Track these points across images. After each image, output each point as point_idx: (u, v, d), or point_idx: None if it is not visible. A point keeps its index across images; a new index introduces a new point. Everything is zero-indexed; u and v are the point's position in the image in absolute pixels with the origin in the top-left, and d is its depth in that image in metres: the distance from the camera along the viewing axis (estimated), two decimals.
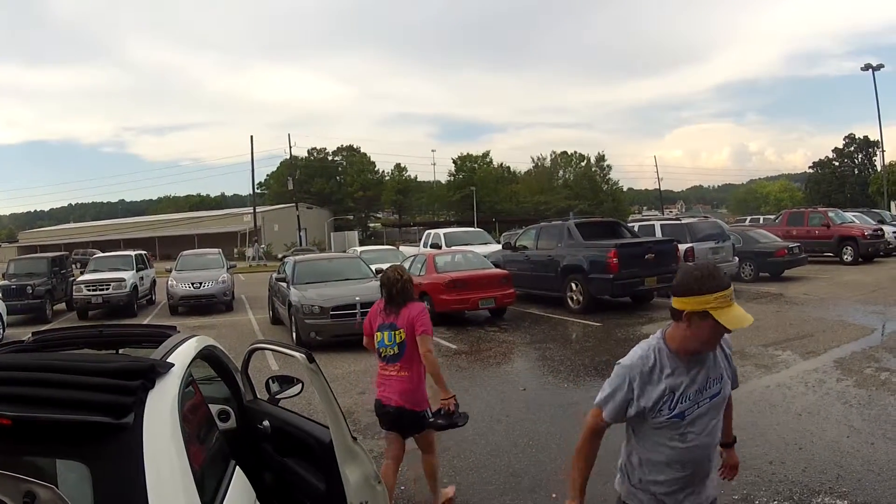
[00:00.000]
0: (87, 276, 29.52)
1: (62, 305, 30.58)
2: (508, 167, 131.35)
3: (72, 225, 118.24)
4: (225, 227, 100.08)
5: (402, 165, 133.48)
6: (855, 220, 38.99)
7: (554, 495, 7.74)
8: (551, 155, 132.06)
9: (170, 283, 28.65)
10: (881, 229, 37.24)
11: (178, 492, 3.23)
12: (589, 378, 13.80)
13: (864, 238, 35.57)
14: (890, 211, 58.35)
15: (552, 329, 19.78)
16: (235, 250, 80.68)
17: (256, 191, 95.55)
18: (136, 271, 30.67)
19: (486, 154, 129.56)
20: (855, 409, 10.82)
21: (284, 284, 20.59)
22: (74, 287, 28.74)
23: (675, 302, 4.10)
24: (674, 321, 4.16)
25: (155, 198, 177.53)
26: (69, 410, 3.21)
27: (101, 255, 35.38)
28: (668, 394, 4.15)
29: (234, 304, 29.23)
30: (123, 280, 28.62)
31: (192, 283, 28.20)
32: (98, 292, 27.83)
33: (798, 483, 8.06)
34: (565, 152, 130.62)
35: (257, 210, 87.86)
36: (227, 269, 30.88)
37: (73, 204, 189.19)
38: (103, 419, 3.20)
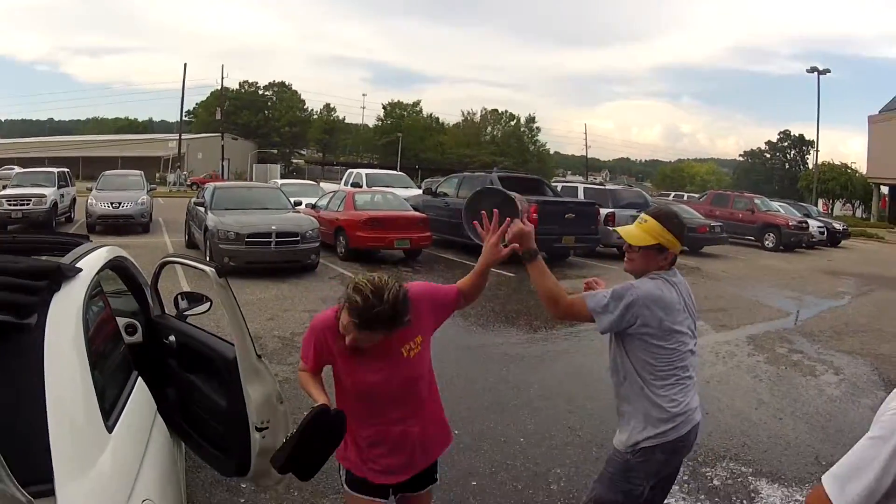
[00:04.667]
0: (7, 191, 28.92)
1: None
2: (437, 118, 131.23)
3: None
4: (150, 152, 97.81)
5: (332, 106, 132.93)
6: (781, 209, 39.52)
7: (455, 432, 7.75)
8: (482, 111, 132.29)
9: (89, 201, 28.22)
10: (806, 222, 37.76)
11: (77, 396, 3.20)
12: (498, 324, 14.03)
13: (787, 227, 36.04)
14: (817, 207, 59.30)
15: (463, 273, 19.50)
16: (158, 175, 79.82)
17: (184, 118, 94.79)
18: (58, 188, 30.12)
19: (416, 103, 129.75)
20: (765, 384, 11.06)
21: (202, 209, 20.39)
22: None
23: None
24: None
25: (84, 118, 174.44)
26: None
27: (23, 170, 34.68)
28: None
29: (151, 227, 28.94)
30: (44, 196, 28.15)
31: (112, 203, 27.81)
32: (18, 207, 27.28)
33: (703, 446, 8.12)
34: (496, 110, 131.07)
35: (183, 137, 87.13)
36: (147, 191, 30.43)
37: (2, 120, 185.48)
38: (5, 318, 3.16)
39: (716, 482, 7.33)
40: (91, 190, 30.16)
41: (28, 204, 27.55)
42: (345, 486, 4.42)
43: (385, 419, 4.13)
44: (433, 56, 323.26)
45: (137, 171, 34.14)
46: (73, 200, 33.66)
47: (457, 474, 6.96)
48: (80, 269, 3.92)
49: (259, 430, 4.65)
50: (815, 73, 68.76)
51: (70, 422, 3.09)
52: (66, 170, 34.09)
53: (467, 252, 23.49)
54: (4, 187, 31.07)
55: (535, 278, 4.57)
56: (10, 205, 27.38)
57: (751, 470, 7.65)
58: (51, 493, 2.75)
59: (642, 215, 4.62)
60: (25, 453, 2.75)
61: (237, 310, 4.50)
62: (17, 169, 43.00)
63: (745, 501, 6.93)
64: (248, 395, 4.57)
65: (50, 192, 28.83)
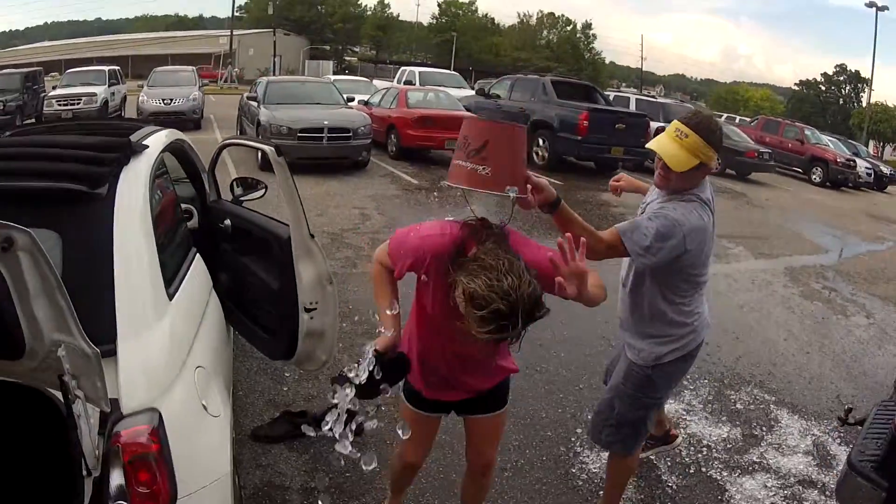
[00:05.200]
0: (58, 91, 29.04)
1: (33, 121, 29.34)
2: (493, 19, 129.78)
3: (46, 43, 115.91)
4: (200, 49, 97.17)
5: (386, 2, 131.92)
6: (830, 144, 38.38)
7: None
8: (538, 14, 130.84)
9: (141, 98, 28.12)
10: (854, 161, 36.62)
11: (142, 263, 3.43)
12: (542, 233, 13.70)
13: (835, 164, 34.96)
14: (867, 148, 58.33)
15: None
16: (214, 70, 79.61)
17: (236, 14, 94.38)
18: (108, 87, 30.11)
19: (472, 2, 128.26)
20: (796, 317, 11.08)
21: (255, 104, 20.43)
22: (45, 102, 28.23)
23: None
24: None
25: (132, 17, 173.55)
26: (47, 180, 3.40)
27: (73, 70, 34.23)
28: (648, 195, 4.72)
29: (202, 123, 28.90)
30: (95, 95, 28.19)
31: (163, 100, 27.68)
32: (68, 107, 27.34)
33: (730, 370, 8.34)
34: (552, 13, 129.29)
35: (234, 33, 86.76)
36: (199, 87, 30.39)
37: (49, 23, 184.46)
38: (79, 187, 3.38)
39: (738, 406, 7.48)
40: (142, 87, 29.96)
41: (78, 103, 27.58)
42: (402, 394, 4.26)
43: (444, 341, 3.84)
44: None
45: (189, 67, 34.01)
46: (124, 99, 33.51)
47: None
48: (147, 146, 4.10)
49: (308, 310, 4.79)
50: (874, 9, 66.69)
51: (135, 286, 3.31)
52: (116, 68, 34.02)
53: None
54: (55, 87, 31.13)
55: (564, 228, 3.85)
56: (60, 105, 27.47)
57: (773, 399, 7.78)
58: (113, 353, 2.97)
59: (679, 126, 4.16)
60: (92, 313, 2.88)
61: (294, 189, 4.58)
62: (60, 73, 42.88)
63: (764, 428, 7.07)
64: (300, 274, 4.69)
65: (101, 91, 28.85)
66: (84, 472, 2.72)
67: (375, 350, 3.46)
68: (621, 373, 4.75)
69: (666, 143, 4.15)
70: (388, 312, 3.67)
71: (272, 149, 4.59)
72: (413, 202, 15.61)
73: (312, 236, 4.74)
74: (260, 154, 16.59)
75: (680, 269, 4.28)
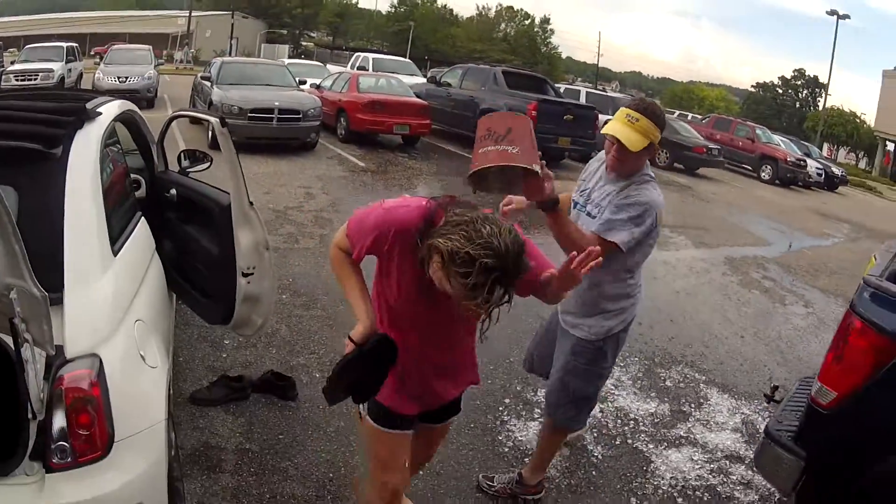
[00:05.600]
0: (15, 67, 29.24)
1: None
2: (451, 10, 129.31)
3: (7, 19, 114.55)
4: (159, 29, 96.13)
5: None
6: (781, 143, 38.92)
7: None
8: (497, 6, 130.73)
9: (97, 75, 28.18)
10: (805, 161, 37.06)
11: (91, 219, 3.69)
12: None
13: (785, 162, 35.47)
14: (821, 150, 59.02)
15: (460, 165, 20.14)
16: (165, 52, 79.00)
17: None
18: (66, 63, 30.37)
19: None
20: (733, 303, 11.39)
21: (208, 84, 20.58)
22: (3, 77, 28.28)
23: None
24: None
25: None
26: (6, 139, 3.67)
27: (33, 46, 34.39)
28: (582, 181, 4.90)
29: (156, 102, 28.83)
30: (52, 71, 28.49)
31: (118, 77, 27.71)
32: (25, 82, 27.42)
33: (662, 349, 8.60)
34: (511, 7, 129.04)
35: (193, 14, 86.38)
36: (155, 66, 30.44)
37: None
38: (35, 146, 3.67)
39: (668, 383, 7.70)
40: (98, 64, 30.08)
41: (35, 79, 27.77)
42: (367, 417, 3.73)
43: (415, 341, 3.46)
44: None
45: (146, 46, 33.96)
46: (80, 75, 33.65)
47: None
48: (101, 114, 4.35)
49: (245, 275, 5.04)
50: (835, 17, 67.45)
51: (82, 240, 3.58)
52: (74, 45, 34.06)
53: (464, 144, 23.65)
54: (13, 62, 31.32)
55: (555, 229, 4.22)
56: (17, 80, 27.59)
57: (704, 378, 7.99)
58: (60, 301, 3.24)
59: (628, 112, 4.47)
60: (43, 263, 3.04)
61: (236, 159, 4.84)
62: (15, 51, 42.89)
63: (693, 406, 7.29)
64: (238, 240, 4.93)
65: (58, 67, 29.14)
66: (30, 416, 2.93)
67: (352, 342, 3.28)
68: (568, 353, 4.90)
69: (620, 127, 4.41)
70: (356, 294, 3.41)
71: (217, 120, 4.87)
72: (359, 183, 15.90)
73: (251, 204, 4.96)
74: (210, 132, 16.73)
75: (645, 245, 4.60)
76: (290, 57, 76.03)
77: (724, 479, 6.07)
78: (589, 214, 4.69)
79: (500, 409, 6.58)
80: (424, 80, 30.69)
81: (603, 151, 4.76)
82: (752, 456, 6.29)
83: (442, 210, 3.01)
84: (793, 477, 4.65)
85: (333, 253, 3.53)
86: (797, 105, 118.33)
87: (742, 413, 7.31)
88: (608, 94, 34.10)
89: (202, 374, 6.31)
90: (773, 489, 5.86)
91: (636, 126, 4.39)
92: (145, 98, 27.68)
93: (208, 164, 6.20)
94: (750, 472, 6.15)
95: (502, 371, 7.31)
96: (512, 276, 2.74)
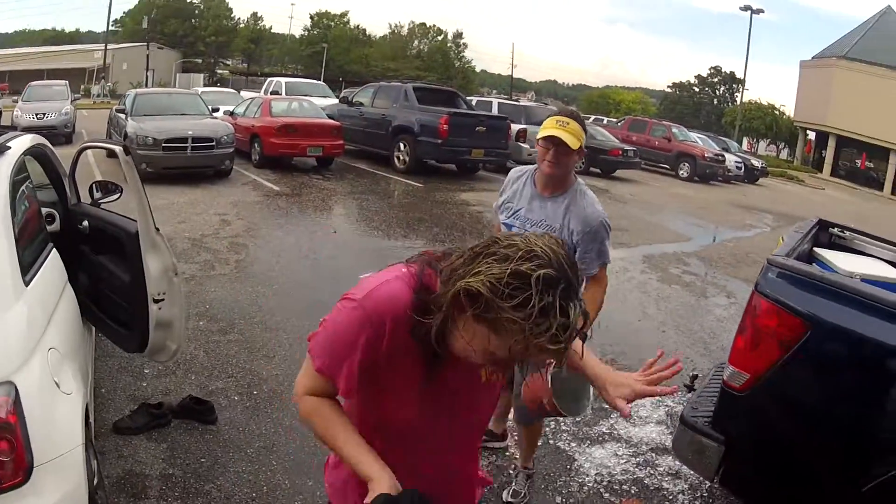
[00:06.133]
0: None
1: None
2: (364, 30, 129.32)
3: None
4: (76, 64, 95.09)
5: (259, 15, 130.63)
6: (699, 140, 39.44)
7: None
8: (409, 24, 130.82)
9: (15, 112, 28.00)
10: (723, 155, 37.80)
11: (2, 251, 3.75)
12: (400, 230, 14.65)
13: (703, 158, 36.06)
14: (738, 143, 59.77)
15: (375, 184, 20.43)
16: (82, 87, 78.15)
17: (111, 28, 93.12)
18: None
19: (344, 14, 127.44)
20: (653, 299, 11.65)
21: (123, 116, 20.50)
22: None
23: None
24: None
25: (11, 31, 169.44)
26: None
27: None
28: (508, 203, 4.98)
29: (73, 138, 28.34)
30: None
31: (36, 114, 27.56)
32: None
33: None
34: (424, 23, 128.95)
35: (109, 48, 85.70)
36: (71, 101, 30.18)
37: None
38: None
39: None
40: (17, 102, 29.85)
41: None
42: None
43: (419, 458, 2.56)
44: None
45: (62, 82, 33.29)
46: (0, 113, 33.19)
47: None
48: (10, 147, 4.49)
49: (156, 301, 5.15)
50: (749, 12, 68.31)
51: None
52: None
53: (378, 162, 23.92)
54: None
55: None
56: None
57: None
58: None
59: (558, 118, 4.60)
60: None
61: (140, 186, 4.97)
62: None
63: None
64: (147, 266, 5.06)
65: None
66: None
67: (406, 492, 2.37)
68: None
69: (557, 130, 4.53)
70: (356, 447, 2.41)
71: (121, 149, 5.00)
72: (273, 207, 15.99)
73: (157, 230, 5.10)
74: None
75: None
76: (205, 85, 75.63)
77: (652, 472, 6.21)
78: None
79: None
80: (336, 100, 30.53)
81: (521, 168, 5.08)
82: None
83: (429, 267, 2.25)
84: (713, 462, 4.72)
85: (304, 405, 2.45)
86: (715, 102, 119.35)
87: (665, 406, 7.48)
88: (520, 103, 34.29)
89: (124, 403, 6.37)
90: (702, 479, 6.00)
91: (568, 129, 4.54)
92: (63, 133, 27.49)
93: (119, 194, 6.23)
94: (677, 463, 6.22)
95: None
96: (577, 285, 1.97)
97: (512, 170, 5.22)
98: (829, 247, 6.83)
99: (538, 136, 4.65)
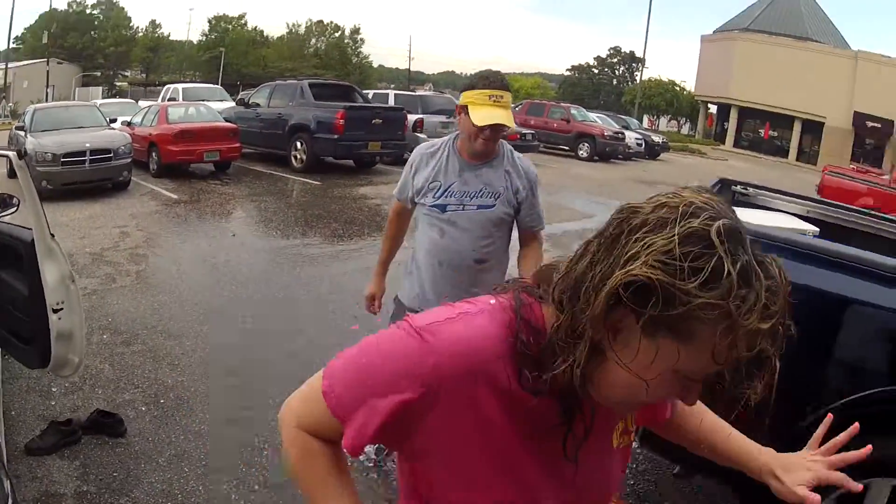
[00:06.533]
0: None
1: None
2: (262, 31, 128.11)
3: None
4: None
5: (157, 22, 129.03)
6: (598, 120, 39.84)
7: (247, 326, 8.79)
8: (307, 22, 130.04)
9: None
10: (623, 133, 38.23)
11: None
12: (298, 228, 14.88)
13: (602, 137, 36.42)
14: (638, 121, 60.36)
15: (272, 185, 20.58)
16: None
17: (12, 45, 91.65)
18: None
19: (241, 16, 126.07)
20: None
21: (23, 133, 20.36)
22: None
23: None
24: None
25: None
26: None
27: None
28: (435, 181, 4.60)
29: None
30: None
31: None
32: None
33: None
34: (321, 21, 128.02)
35: (9, 66, 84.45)
36: None
37: None
38: None
39: None
40: None
41: None
42: None
43: None
44: None
45: None
46: None
47: (250, 360, 7.72)
48: None
49: (55, 311, 5.04)
50: None
51: None
52: None
53: (276, 163, 23.98)
54: None
55: None
56: None
57: None
58: None
59: (490, 93, 4.32)
60: None
61: (34, 192, 4.93)
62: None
63: None
64: (45, 275, 4.97)
65: None
66: None
67: None
68: None
69: (495, 112, 4.35)
70: None
71: (14, 153, 4.97)
72: (172, 216, 16.03)
73: (52, 236, 5.02)
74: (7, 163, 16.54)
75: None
76: (103, 97, 74.75)
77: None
78: (481, 207, 4.58)
79: None
80: (234, 103, 30.59)
81: (429, 143, 4.81)
82: None
83: (528, 294, 1.63)
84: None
85: (294, 445, 1.76)
86: (615, 83, 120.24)
87: None
88: (417, 93, 34.57)
89: (34, 424, 6.28)
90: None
91: (503, 104, 4.39)
92: None
93: (15, 208, 6.13)
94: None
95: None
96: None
97: (417, 149, 4.88)
98: (734, 204, 6.73)
99: (472, 114, 4.32)
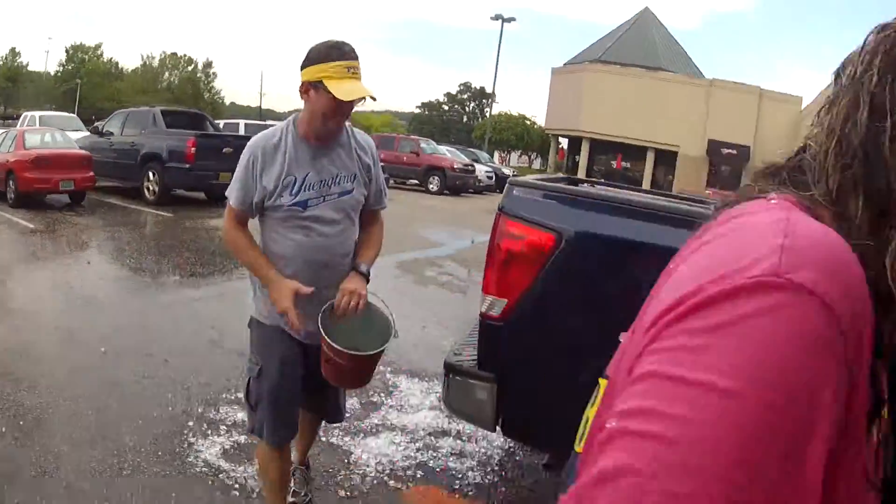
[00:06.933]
0: None
1: None
2: (117, 63, 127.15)
3: None
4: None
5: (17, 50, 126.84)
6: (448, 153, 40.59)
7: (103, 349, 8.72)
8: (161, 55, 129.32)
9: None
10: (473, 166, 39.26)
11: None
12: (151, 256, 15.05)
13: (452, 170, 37.26)
14: (491, 156, 61.04)
15: (126, 216, 20.54)
16: None
17: None
18: None
19: (98, 46, 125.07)
20: (409, 299, 12.07)
21: None
22: None
23: (301, 77, 4.05)
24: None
25: None
26: None
27: None
28: (289, 176, 4.11)
29: None
30: None
31: None
32: None
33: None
34: (175, 53, 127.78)
35: None
36: None
37: None
38: None
39: None
40: None
41: None
42: None
43: None
44: None
45: None
46: None
47: (106, 381, 7.68)
48: None
49: None
50: (500, 21, 69.45)
51: None
52: None
53: (129, 196, 23.83)
54: None
55: None
56: None
57: (389, 369, 8.39)
58: None
59: (347, 65, 3.99)
60: None
61: None
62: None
63: (383, 395, 7.73)
64: None
65: None
66: None
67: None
68: None
69: (356, 84, 4.01)
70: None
71: None
72: (28, 244, 15.89)
73: None
74: None
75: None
76: None
77: (434, 454, 6.40)
78: (343, 194, 4.28)
79: (185, 432, 6.59)
80: (88, 133, 29.75)
81: (263, 136, 4.23)
82: (457, 428, 6.79)
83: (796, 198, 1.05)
84: (489, 407, 4.53)
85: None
86: (465, 119, 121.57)
87: (435, 392, 7.75)
88: (267, 122, 34.89)
89: None
90: (489, 453, 6.35)
91: (359, 75, 4.05)
92: None
93: None
94: (460, 442, 6.57)
95: (182, 397, 7.44)
96: None
97: (253, 144, 4.22)
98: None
99: (332, 88, 3.91)
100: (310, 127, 4.14)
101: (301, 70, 4.05)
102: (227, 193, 4.28)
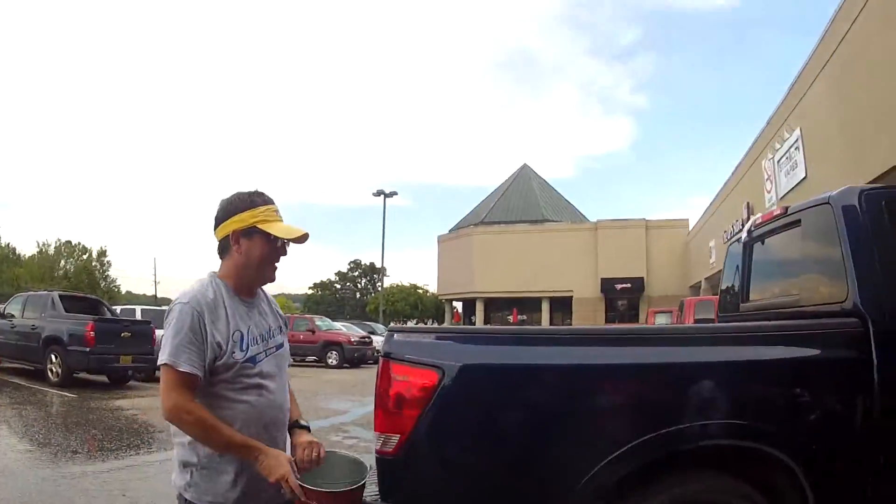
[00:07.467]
0: None
1: None
2: (14, 248, 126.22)
3: None
4: None
5: None
6: (343, 328, 41.87)
7: None
8: (56, 242, 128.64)
9: None
10: (369, 337, 40.36)
11: None
12: (59, 432, 15.07)
13: (350, 343, 38.50)
14: (384, 326, 61.82)
15: (31, 397, 20.62)
16: None
17: None
18: None
19: None
20: None
21: None
22: None
23: (220, 232, 3.87)
24: (223, 259, 3.93)
25: None
26: None
27: None
28: (236, 331, 3.78)
29: None
30: None
31: None
32: None
33: None
34: (69, 241, 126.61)
35: None
36: None
37: None
38: None
39: None
40: None
41: None
42: None
43: None
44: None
45: None
46: None
47: None
48: None
49: None
50: (382, 197, 70.71)
51: None
52: None
53: (34, 377, 24.07)
54: None
55: None
56: None
57: None
58: None
59: (273, 208, 3.96)
60: None
61: None
62: None
63: None
64: None
65: None
66: None
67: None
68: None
69: (291, 225, 3.95)
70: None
71: None
72: None
73: None
74: None
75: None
76: None
77: None
78: (278, 348, 4.07)
79: None
80: None
81: (190, 292, 3.77)
82: None
83: None
84: None
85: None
86: (358, 295, 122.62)
87: None
88: (162, 308, 35.31)
89: None
90: None
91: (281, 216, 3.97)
92: None
93: None
94: None
95: None
96: None
97: (188, 304, 3.71)
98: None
99: (272, 230, 3.85)
100: (242, 279, 3.91)
101: (222, 224, 3.85)
102: (165, 361, 3.58)
